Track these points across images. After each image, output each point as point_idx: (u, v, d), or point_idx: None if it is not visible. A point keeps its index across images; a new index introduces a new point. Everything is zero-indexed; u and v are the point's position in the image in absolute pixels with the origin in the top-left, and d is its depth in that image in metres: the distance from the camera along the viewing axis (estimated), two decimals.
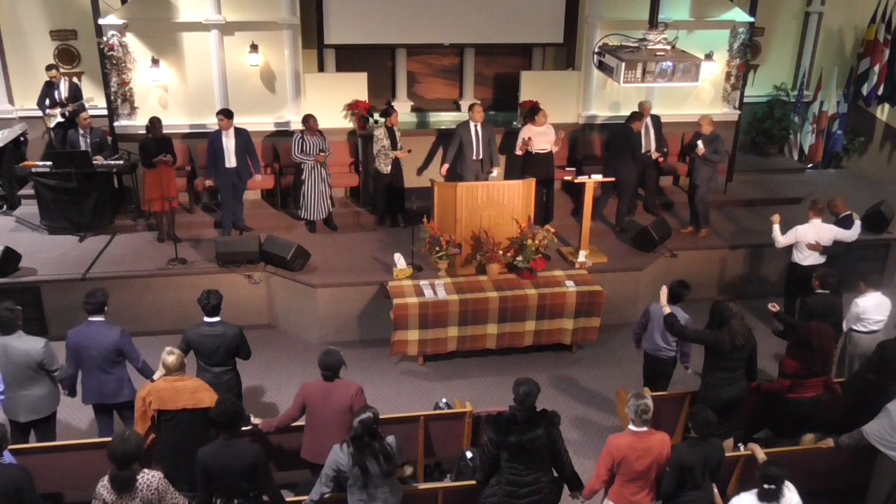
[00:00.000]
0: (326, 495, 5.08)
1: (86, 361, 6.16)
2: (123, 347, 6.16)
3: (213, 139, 9.26)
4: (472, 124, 9.73)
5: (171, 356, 5.52)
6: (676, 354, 7.03)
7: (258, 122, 10.31)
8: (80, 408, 7.32)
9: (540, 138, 9.84)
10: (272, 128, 10.51)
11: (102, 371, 6.16)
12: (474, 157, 9.79)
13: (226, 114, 9.25)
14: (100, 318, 6.16)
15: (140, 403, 5.61)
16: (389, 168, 9.81)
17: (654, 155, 10.24)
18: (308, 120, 9.53)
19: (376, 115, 10.50)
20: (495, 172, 10.02)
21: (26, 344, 5.95)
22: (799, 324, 7.27)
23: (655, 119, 10.45)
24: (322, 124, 9.73)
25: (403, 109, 11.20)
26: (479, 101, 10.57)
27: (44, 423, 6.22)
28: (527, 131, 9.90)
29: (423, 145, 10.61)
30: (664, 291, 6.60)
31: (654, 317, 6.87)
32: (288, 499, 5.27)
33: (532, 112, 10.15)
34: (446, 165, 9.88)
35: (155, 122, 9.32)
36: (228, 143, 9.23)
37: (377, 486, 4.95)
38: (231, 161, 9.26)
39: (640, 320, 7.28)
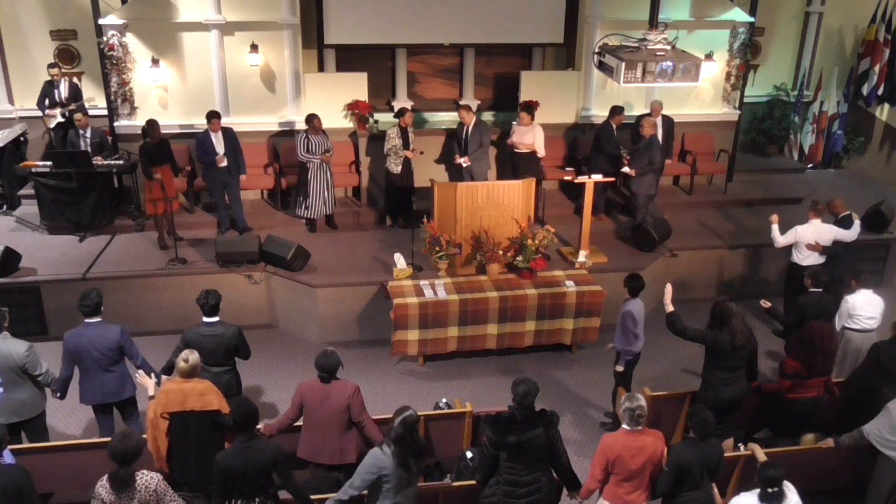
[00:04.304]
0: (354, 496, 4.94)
1: (87, 362, 6.12)
2: (124, 345, 6.14)
3: (203, 140, 9.26)
4: (462, 126, 9.79)
5: (184, 363, 5.41)
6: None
7: (259, 122, 10.32)
8: (74, 410, 7.32)
9: (520, 137, 9.88)
10: (272, 128, 10.50)
11: (104, 370, 6.14)
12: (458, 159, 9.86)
13: (217, 116, 9.30)
14: (97, 319, 6.13)
15: (150, 412, 5.53)
16: (400, 168, 9.78)
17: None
18: (312, 120, 9.51)
19: (376, 115, 10.50)
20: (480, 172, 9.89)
21: (10, 346, 5.89)
22: (791, 321, 7.28)
23: (667, 120, 10.41)
24: (322, 124, 9.71)
25: None
26: (467, 104, 10.49)
27: (32, 423, 6.17)
28: (514, 129, 10.00)
29: (432, 146, 10.55)
30: (669, 289, 6.57)
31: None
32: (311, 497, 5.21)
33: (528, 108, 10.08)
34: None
35: (152, 125, 9.18)
36: (219, 143, 9.25)
37: (410, 486, 4.92)
38: (223, 160, 9.27)
39: (629, 329, 6.93)
